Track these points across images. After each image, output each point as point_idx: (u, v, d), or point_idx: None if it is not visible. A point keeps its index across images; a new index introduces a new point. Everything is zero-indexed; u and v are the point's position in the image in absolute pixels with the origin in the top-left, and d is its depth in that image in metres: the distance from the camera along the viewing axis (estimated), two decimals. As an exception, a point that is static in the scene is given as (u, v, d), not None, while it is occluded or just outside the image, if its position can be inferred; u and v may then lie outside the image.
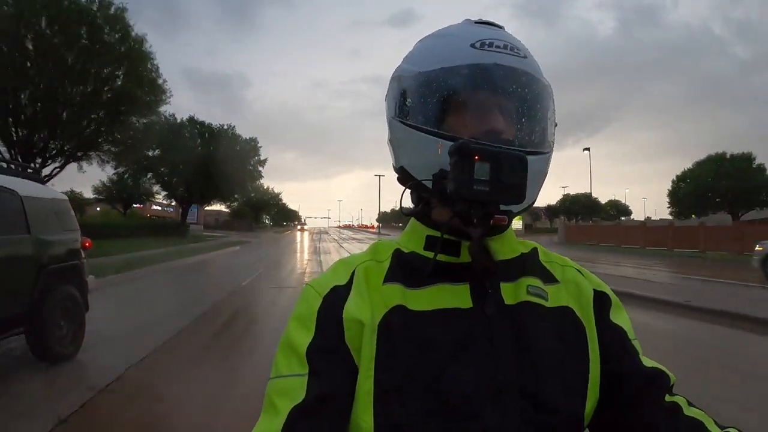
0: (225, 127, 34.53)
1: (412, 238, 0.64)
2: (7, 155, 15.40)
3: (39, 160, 16.80)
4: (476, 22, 0.62)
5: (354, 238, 44.60)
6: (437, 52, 0.60)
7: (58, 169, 18.07)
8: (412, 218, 0.65)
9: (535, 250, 0.67)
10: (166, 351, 5.03)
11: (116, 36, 17.26)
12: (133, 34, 17.65)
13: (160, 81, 19.41)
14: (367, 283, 0.59)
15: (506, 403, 0.53)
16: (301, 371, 0.54)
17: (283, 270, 14.64)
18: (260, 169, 36.34)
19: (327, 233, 68.84)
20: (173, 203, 39.74)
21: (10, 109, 15.74)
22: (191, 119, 33.43)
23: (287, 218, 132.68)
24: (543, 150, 0.60)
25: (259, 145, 35.94)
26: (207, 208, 52.36)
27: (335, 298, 0.58)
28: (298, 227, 77.93)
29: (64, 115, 16.79)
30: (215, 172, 30.02)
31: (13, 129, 16.35)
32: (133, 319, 6.56)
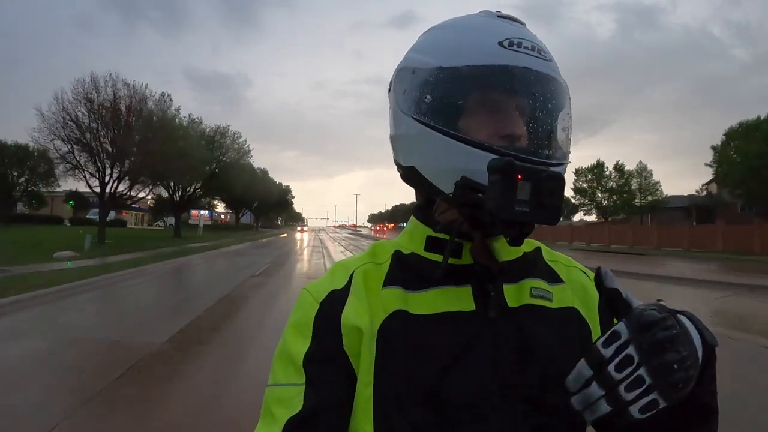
0: (279, 182, 74.49)
1: (413, 239, 0.62)
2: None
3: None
4: (498, 16, 0.58)
5: (337, 232, 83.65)
6: (460, 45, 0.56)
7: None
8: (412, 218, 0.64)
9: (538, 249, 0.66)
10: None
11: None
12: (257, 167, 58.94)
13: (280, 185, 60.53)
14: (365, 287, 0.58)
15: (509, 406, 0.52)
16: (298, 381, 0.54)
17: (315, 233, 56.00)
18: (291, 201, 76.99)
19: (324, 230, 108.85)
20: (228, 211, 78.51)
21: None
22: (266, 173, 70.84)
23: (294, 219, 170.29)
24: (565, 161, 0.57)
25: (290, 188, 77.47)
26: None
27: (332, 304, 0.57)
28: (298, 228, 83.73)
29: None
30: (269, 203, 68.98)
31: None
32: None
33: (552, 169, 0.52)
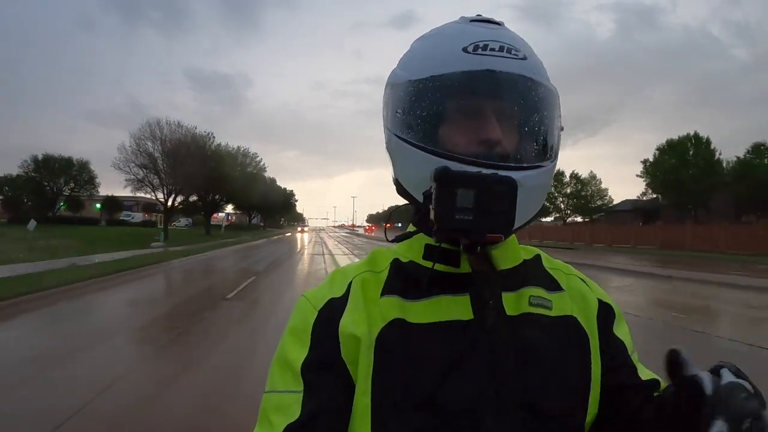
0: (285, 188, 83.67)
1: (411, 247, 0.61)
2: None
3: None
4: (472, 20, 0.58)
5: (335, 231, 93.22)
6: (427, 57, 0.57)
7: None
8: (411, 226, 0.63)
9: (538, 257, 0.66)
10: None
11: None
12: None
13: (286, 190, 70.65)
14: (364, 295, 0.58)
15: (507, 415, 0.52)
16: (296, 388, 0.53)
17: (315, 232, 64.92)
18: (294, 203, 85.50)
19: (324, 230, 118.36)
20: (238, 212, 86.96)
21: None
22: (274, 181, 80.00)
23: (296, 220, 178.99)
24: (542, 163, 0.56)
25: (293, 192, 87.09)
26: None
27: (331, 312, 0.57)
28: (299, 229, 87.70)
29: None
30: (276, 206, 77.78)
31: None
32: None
33: (506, 173, 0.49)
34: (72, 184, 51.75)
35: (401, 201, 0.64)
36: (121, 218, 59.78)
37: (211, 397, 3.75)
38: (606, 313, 0.64)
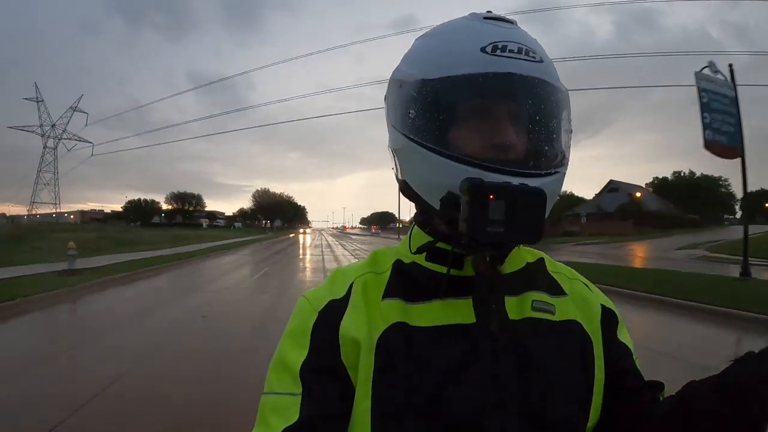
0: (301, 205, 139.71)
1: (414, 248, 0.61)
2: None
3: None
4: (485, 18, 0.56)
5: (332, 231, 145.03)
6: (443, 55, 0.55)
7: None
8: (414, 226, 0.63)
9: (541, 260, 0.66)
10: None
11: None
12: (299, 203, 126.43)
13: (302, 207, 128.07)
14: (365, 297, 0.58)
15: (509, 419, 0.52)
16: (294, 390, 0.53)
17: (318, 232, 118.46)
18: (306, 215, 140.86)
19: (324, 230, 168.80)
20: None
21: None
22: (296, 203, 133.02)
23: (303, 223, 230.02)
24: (559, 169, 0.55)
25: (305, 207, 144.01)
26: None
27: (331, 314, 0.56)
28: (301, 230, 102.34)
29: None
30: (293, 216, 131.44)
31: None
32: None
33: (533, 182, 0.50)
34: (191, 207, 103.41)
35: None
36: (214, 224, 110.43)
37: (298, 266, 18.28)
38: (609, 319, 0.64)
